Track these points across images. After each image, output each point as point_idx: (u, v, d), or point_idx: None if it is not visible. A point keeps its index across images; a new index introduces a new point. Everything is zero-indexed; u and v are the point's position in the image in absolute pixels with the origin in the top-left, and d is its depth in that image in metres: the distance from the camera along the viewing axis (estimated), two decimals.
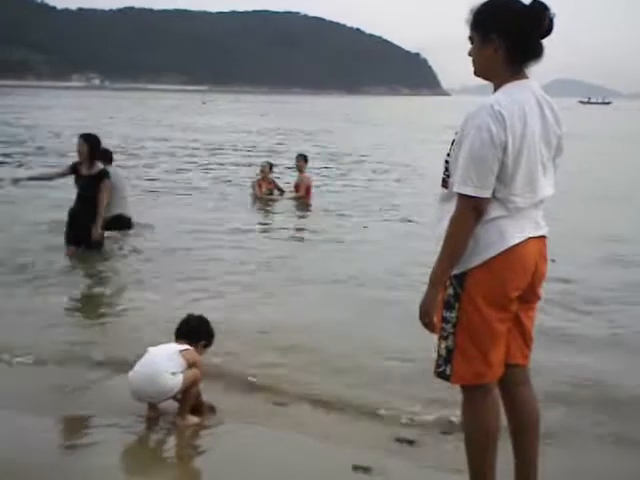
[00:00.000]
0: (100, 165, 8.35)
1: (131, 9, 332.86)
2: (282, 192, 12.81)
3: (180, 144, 24.15)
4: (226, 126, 35.86)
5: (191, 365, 4.14)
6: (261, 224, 10.84)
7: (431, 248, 2.96)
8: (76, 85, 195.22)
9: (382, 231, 10.23)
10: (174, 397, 4.14)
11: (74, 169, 8.37)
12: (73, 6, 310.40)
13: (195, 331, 4.40)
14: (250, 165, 16.99)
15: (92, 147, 8.26)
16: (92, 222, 8.10)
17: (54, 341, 5.43)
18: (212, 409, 4.33)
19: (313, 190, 12.62)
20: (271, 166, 13.03)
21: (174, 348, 4.20)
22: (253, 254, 8.56)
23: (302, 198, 12.35)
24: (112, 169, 8.89)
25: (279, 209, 11.99)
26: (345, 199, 13.02)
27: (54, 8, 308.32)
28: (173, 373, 4.04)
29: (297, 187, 12.54)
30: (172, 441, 4.07)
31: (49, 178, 9.31)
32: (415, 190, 14.33)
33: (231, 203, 12.28)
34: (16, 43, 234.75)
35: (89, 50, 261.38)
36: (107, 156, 9.01)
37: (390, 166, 19.14)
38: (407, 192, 14.23)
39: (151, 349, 4.23)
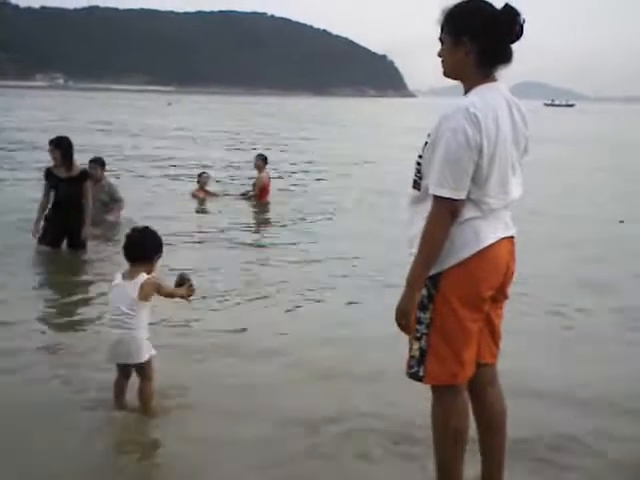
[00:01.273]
0: (79, 166, 8.33)
1: (96, 8, 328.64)
2: (216, 196, 12.99)
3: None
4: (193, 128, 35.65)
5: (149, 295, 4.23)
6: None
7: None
8: (40, 85, 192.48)
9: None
10: None
11: (51, 176, 8.26)
12: (36, 4, 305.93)
13: (149, 248, 4.35)
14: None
15: (64, 151, 8.17)
16: (77, 223, 8.15)
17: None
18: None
19: (271, 190, 12.74)
20: (205, 174, 13.16)
21: (130, 297, 4.17)
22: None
23: (257, 198, 12.53)
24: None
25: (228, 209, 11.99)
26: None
27: (17, 7, 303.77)
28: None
29: (253, 186, 12.77)
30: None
31: (46, 201, 8.44)
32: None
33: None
34: None
35: (53, 49, 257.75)
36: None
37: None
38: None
39: (114, 303, 4.22)
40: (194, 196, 12.71)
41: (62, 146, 8.19)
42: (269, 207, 12.33)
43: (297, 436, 4.02)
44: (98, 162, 10.18)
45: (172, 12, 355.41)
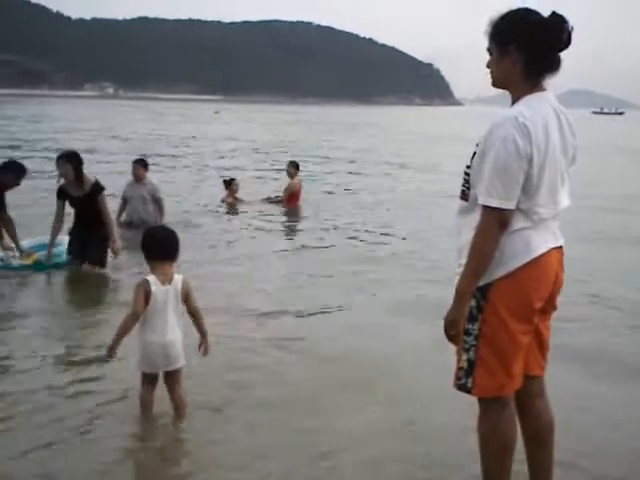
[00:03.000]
0: (90, 179, 7.80)
1: (145, 19, 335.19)
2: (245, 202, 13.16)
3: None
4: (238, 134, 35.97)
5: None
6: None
7: None
8: (90, 94, 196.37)
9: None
10: None
11: (63, 194, 7.79)
12: (87, 16, 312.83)
13: (177, 248, 4.26)
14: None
15: (75, 166, 7.69)
16: (95, 239, 7.72)
17: None
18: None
19: (301, 195, 12.98)
20: (233, 180, 13.32)
21: (177, 298, 4.15)
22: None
23: (286, 202, 12.73)
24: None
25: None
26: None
27: (69, 18, 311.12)
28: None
29: (285, 191, 12.97)
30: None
31: (60, 225, 7.99)
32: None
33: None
34: (32, 52, 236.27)
35: (103, 59, 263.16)
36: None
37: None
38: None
39: (161, 307, 4.11)
40: (224, 201, 13.01)
41: (72, 160, 7.71)
42: (299, 211, 12.59)
43: None
44: (141, 162, 10.68)
45: (219, 22, 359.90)
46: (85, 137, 29.56)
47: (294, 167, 12.99)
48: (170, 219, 10.18)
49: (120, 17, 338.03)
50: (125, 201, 10.51)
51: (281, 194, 13.05)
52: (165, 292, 4.13)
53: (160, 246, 4.20)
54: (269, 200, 13.21)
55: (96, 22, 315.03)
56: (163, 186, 11.56)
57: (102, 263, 7.84)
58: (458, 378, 3.01)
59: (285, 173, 13.29)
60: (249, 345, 5.56)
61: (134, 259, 7.70)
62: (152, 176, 11.22)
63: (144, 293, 4.06)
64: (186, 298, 4.20)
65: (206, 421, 4.26)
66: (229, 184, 13.17)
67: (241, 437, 4.08)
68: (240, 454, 3.87)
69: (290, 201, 12.77)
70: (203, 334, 4.28)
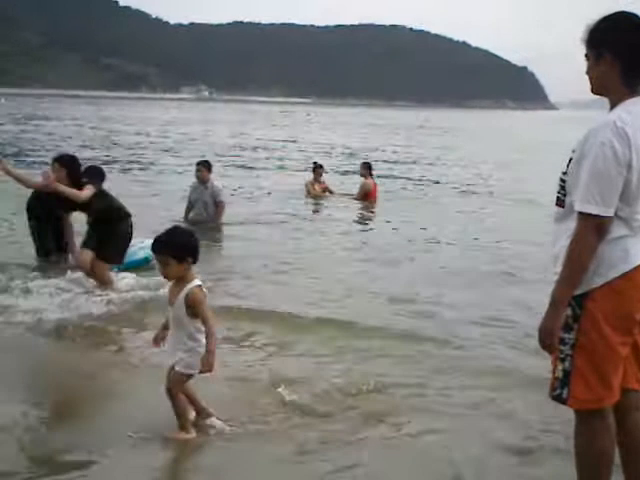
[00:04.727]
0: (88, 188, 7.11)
1: (240, 23, 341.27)
2: (332, 192, 14.28)
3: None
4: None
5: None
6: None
7: None
8: (186, 97, 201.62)
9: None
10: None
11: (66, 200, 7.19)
12: (185, 21, 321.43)
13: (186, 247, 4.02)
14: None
15: (71, 170, 7.23)
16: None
17: None
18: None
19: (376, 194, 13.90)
20: (321, 167, 14.30)
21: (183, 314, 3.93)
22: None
23: (362, 200, 13.70)
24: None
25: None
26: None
27: (167, 23, 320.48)
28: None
29: (360, 189, 13.98)
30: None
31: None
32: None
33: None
34: (132, 57, 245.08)
35: (199, 63, 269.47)
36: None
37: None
38: None
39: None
40: (308, 186, 13.91)
41: (67, 164, 7.26)
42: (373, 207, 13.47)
43: None
44: (204, 164, 10.77)
45: (312, 25, 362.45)
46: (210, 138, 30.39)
47: (365, 168, 13.99)
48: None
49: (216, 22, 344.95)
50: (191, 203, 10.69)
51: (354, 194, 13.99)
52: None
53: (195, 249, 4.06)
54: (347, 196, 14.08)
55: (193, 27, 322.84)
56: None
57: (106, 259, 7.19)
58: (553, 389, 2.95)
59: (367, 176, 14.01)
60: None
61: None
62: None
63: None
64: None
65: None
66: (315, 169, 14.15)
67: None
68: None
69: (364, 199, 13.68)
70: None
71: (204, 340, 3.93)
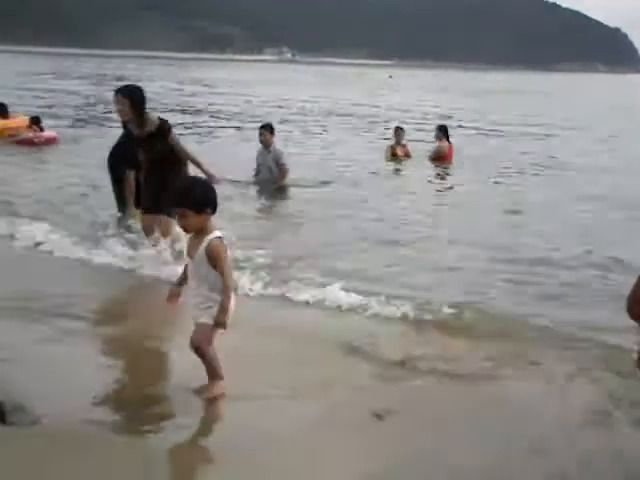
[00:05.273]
0: (154, 116, 6.67)
1: None
2: (410, 157, 14.22)
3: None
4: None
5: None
6: None
7: None
8: (269, 58, 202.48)
9: None
10: None
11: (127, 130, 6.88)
12: None
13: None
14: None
15: (134, 101, 6.49)
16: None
17: None
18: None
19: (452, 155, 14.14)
20: (401, 129, 14.52)
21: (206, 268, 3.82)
22: None
23: (434, 161, 13.93)
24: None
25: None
26: None
27: None
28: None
29: (434, 151, 14.20)
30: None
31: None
32: None
33: None
34: (218, 19, 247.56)
35: (282, 24, 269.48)
36: None
37: None
38: None
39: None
40: (389, 150, 14.07)
41: (131, 95, 6.51)
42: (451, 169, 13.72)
43: None
44: (267, 128, 10.80)
45: None
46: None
47: (441, 131, 14.22)
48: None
49: None
50: (258, 167, 10.83)
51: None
52: None
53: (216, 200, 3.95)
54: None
55: None
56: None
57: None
58: None
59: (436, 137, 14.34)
60: None
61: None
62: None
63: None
64: None
65: None
66: (396, 131, 14.44)
67: None
68: None
69: (439, 161, 13.92)
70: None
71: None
